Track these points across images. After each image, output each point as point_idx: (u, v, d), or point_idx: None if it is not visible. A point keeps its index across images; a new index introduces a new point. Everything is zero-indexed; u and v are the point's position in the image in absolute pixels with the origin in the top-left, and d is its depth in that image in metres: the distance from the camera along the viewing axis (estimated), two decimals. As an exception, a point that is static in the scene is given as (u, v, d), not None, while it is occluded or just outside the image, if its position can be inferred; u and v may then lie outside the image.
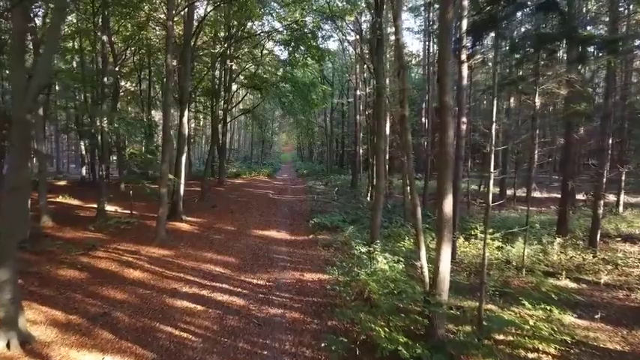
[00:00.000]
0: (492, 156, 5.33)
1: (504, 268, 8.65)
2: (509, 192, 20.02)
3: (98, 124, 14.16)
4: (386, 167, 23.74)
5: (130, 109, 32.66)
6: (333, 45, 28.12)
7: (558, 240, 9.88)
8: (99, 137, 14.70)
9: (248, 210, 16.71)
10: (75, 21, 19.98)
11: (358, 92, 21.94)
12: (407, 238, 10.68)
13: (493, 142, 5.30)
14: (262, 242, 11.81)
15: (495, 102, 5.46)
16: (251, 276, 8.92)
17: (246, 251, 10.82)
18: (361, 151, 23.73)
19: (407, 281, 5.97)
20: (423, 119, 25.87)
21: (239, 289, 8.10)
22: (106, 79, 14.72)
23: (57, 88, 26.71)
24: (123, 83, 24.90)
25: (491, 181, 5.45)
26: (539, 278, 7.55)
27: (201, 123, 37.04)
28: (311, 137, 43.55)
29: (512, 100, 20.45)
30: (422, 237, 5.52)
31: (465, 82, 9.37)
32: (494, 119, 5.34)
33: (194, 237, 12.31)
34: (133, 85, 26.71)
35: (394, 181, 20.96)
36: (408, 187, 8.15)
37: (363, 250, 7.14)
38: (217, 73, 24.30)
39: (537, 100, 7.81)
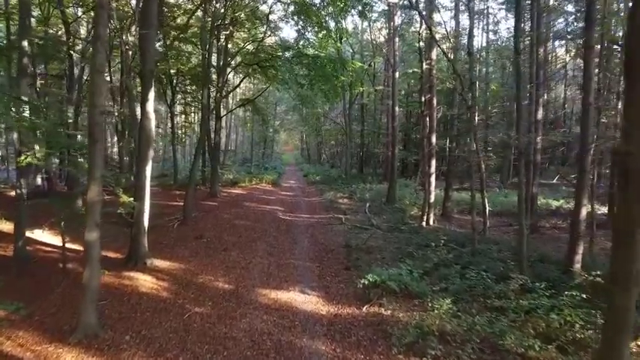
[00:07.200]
0: None
1: None
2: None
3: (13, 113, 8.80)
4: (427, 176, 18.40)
5: (106, 102, 27.28)
6: (349, 25, 22.79)
7: None
8: (14, 134, 9.31)
9: (250, 243, 11.29)
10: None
11: (397, 75, 16.37)
12: None
13: None
14: (279, 325, 6.44)
15: None
16: None
17: (251, 357, 5.48)
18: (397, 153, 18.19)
19: None
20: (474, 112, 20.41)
21: None
22: (26, 43, 9.31)
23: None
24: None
25: None
26: None
27: (190, 118, 31.46)
28: (320, 136, 37.88)
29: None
30: None
31: None
32: None
33: (156, 312, 6.90)
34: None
35: (453, 196, 15.44)
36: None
37: None
38: (209, 57, 19.02)
39: None
